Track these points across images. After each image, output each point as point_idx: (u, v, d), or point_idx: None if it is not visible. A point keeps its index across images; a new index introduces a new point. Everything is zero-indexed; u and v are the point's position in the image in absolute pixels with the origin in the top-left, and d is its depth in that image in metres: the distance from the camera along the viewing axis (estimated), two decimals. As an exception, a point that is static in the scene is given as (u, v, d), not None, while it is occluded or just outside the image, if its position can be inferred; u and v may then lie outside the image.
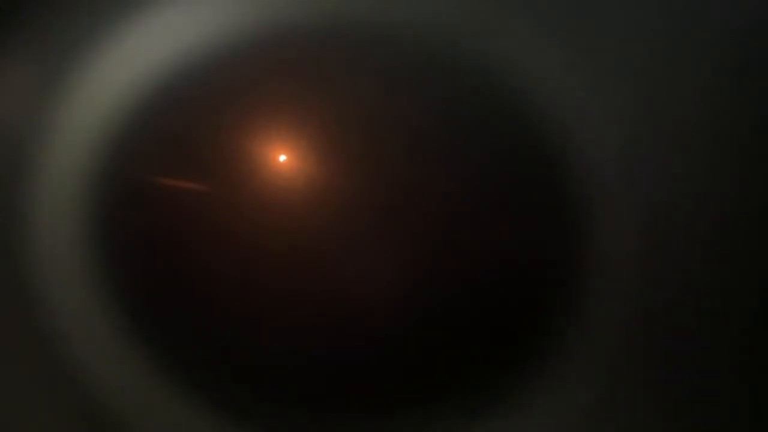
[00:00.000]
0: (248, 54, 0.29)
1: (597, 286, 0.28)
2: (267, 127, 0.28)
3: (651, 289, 0.28)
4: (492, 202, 0.28)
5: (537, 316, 0.28)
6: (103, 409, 0.29)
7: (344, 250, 0.28)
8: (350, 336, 0.28)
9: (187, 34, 0.29)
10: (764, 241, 0.28)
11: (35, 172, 0.29)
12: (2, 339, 0.29)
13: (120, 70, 0.29)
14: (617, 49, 0.28)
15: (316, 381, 0.28)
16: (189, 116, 0.28)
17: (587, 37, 0.28)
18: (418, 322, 0.28)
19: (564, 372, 0.28)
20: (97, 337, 0.29)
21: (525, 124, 0.28)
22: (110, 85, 0.29)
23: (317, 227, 0.28)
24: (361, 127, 0.28)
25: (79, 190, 0.29)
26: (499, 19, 0.28)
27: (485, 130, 0.28)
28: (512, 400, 0.29)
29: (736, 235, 0.28)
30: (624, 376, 0.28)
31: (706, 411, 0.28)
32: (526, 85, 0.28)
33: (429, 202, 0.28)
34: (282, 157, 0.28)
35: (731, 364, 0.28)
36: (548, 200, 0.28)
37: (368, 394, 0.29)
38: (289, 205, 0.28)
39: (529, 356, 0.28)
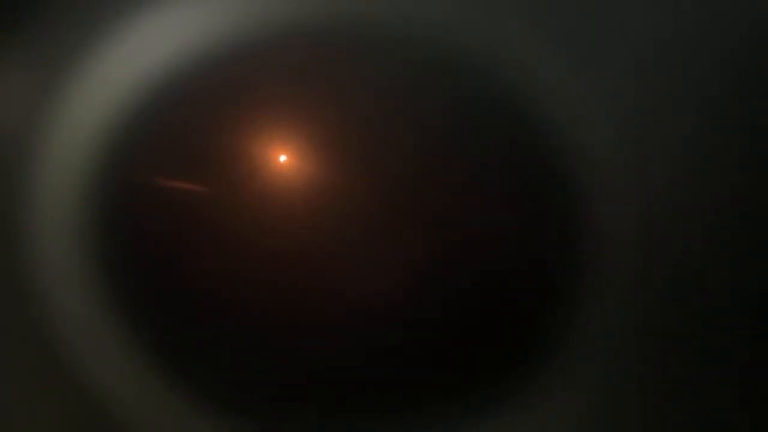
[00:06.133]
0: (248, 54, 0.29)
1: (597, 285, 0.28)
2: (267, 127, 0.28)
3: (651, 288, 0.28)
4: (492, 201, 0.28)
5: (537, 315, 0.28)
6: (103, 409, 0.29)
7: (344, 250, 0.28)
8: (351, 336, 0.28)
9: (188, 34, 0.29)
10: (763, 237, 0.28)
11: (35, 172, 0.29)
12: (2, 339, 0.29)
13: (120, 70, 0.29)
14: (617, 49, 0.28)
15: (316, 381, 0.28)
16: (189, 116, 0.28)
17: (587, 38, 0.28)
18: (418, 322, 0.28)
19: (564, 372, 0.28)
20: (96, 337, 0.29)
21: (525, 123, 0.28)
22: (110, 85, 0.29)
23: (318, 227, 0.28)
24: (361, 127, 0.28)
25: (79, 190, 0.29)
26: (499, 20, 0.28)
27: (485, 129, 0.28)
28: (512, 401, 0.29)
29: (735, 234, 0.28)
30: (624, 376, 0.28)
31: (707, 411, 0.28)
32: (527, 85, 0.28)
33: (429, 202, 0.28)
34: (282, 157, 0.28)
35: (731, 362, 0.28)
36: (548, 199, 0.28)
37: (368, 394, 0.29)
38: (289, 205, 0.28)
39: (529, 356, 0.28)
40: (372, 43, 0.28)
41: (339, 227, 0.28)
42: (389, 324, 0.28)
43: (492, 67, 0.28)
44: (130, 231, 0.29)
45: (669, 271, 0.28)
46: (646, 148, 0.28)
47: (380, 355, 0.28)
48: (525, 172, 0.28)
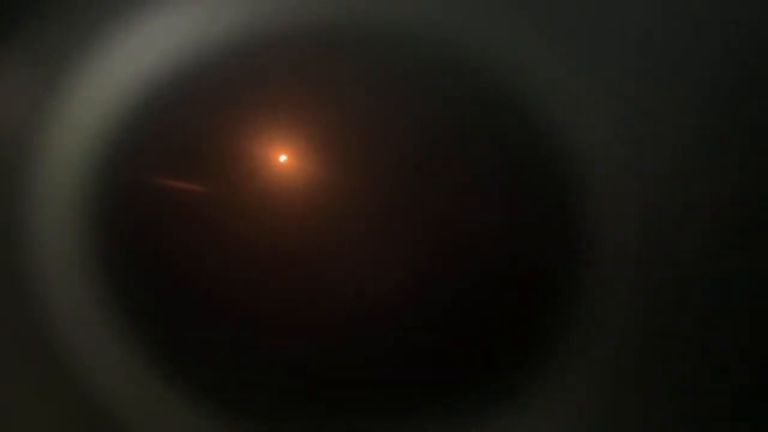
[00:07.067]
0: (249, 54, 0.29)
1: (597, 285, 0.28)
2: (267, 127, 0.28)
3: (651, 288, 0.28)
4: (492, 201, 0.28)
5: (537, 315, 0.28)
6: (103, 409, 0.29)
7: (344, 250, 0.28)
8: (351, 336, 0.28)
9: (188, 34, 0.29)
10: (763, 237, 0.28)
11: (35, 172, 0.29)
12: (2, 339, 0.29)
13: (120, 71, 0.29)
14: (617, 49, 0.28)
15: (316, 381, 0.28)
16: (189, 116, 0.28)
17: (587, 38, 0.28)
18: (418, 322, 0.28)
19: (564, 372, 0.28)
20: (96, 337, 0.29)
21: (525, 123, 0.28)
22: (110, 85, 0.29)
23: (318, 227, 0.28)
24: (361, 127, 0.28)
25: (79, 190, 0.29)
26: (499, 20, 0.28)
27: (485, 129, 0.28)
28: (512, 401, 0.29)
29: (735, 234, 0.28)
30: (624, 376, 0.28)
31: (707, 411, 0.28)
32: (527, 85, 0.28)
33: (429, 202, 0.28)
34: (282, 157, 0.28)
35: (731, 362, 0.28)
36: (548, 199, 0.28)
37: (368, 394, 0.29)
38: (289, 205, 0.28)
39: (529, 356, 0.28)
40: (372, 43, 0.28)
41: (339, 227, 0.28)
42: (389, 324, 0.28)
43: (492, 67, 0.28)
44: (130, 231, 0.29)
45: (669, 271, 0.28)
46: (646, 148, 0.28)
47: (380, 355, 0.28)
48: (525, 172, 0.28)
